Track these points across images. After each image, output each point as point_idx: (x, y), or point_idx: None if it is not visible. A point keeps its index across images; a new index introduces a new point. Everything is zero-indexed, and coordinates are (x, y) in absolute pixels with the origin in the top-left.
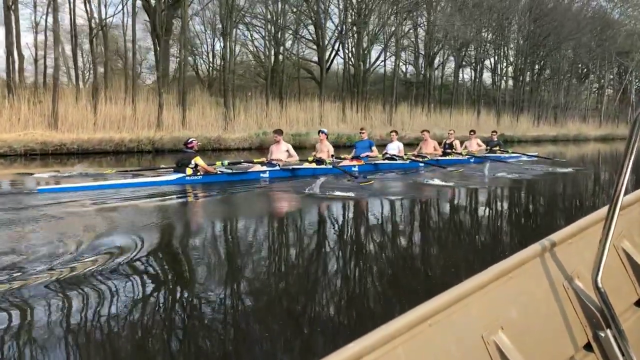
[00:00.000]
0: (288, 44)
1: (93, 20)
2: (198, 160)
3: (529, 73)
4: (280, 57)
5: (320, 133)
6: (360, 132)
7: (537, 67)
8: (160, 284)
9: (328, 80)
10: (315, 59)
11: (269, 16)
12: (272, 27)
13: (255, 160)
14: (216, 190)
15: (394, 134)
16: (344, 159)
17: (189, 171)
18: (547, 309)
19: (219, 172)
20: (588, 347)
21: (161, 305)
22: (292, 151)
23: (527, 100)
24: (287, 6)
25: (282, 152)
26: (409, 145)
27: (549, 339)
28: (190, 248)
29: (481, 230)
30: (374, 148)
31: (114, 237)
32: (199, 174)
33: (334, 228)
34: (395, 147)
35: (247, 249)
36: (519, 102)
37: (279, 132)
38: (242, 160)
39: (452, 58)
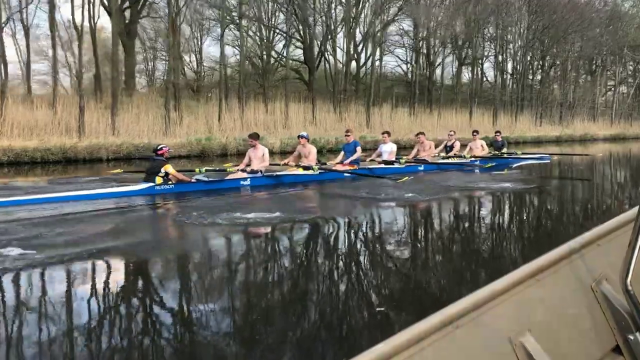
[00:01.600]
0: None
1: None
2: (168, 168)
3: (530, 68)
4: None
5: (301, 137)
6: (345, 135)
7: (539, 62)
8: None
9: (320, 82)
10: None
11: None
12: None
13: (228, 168)
14: (190, 200)
15: (385, 135)
16: (333, 164)
17: (159, 180)
18: (575, 312)
19: (193, 181)
20: (617, 350)
21: None
22: (267, 156)
23: (527, 98)
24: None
25: (258, 157)
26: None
27: (577, 341)
28: (151, 266)
29: (507, 235)
30: (358, 148)
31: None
32: (170, 183)
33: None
34: (388, 149)
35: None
36: (517, 100)
37: (254, 136)
38: (221, 168)
39: (445, 56)
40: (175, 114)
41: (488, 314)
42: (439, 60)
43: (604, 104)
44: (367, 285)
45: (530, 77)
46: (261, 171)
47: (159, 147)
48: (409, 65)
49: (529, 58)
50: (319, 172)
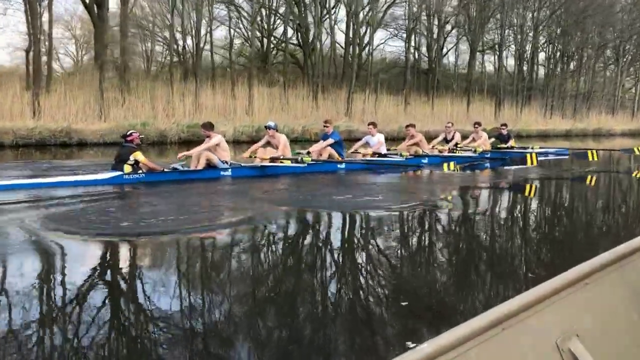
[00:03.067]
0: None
1: None
2: (138, 155)
3: (542, 54)
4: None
5: (267, 129)
6: (324, 125)
7: (551, 49)
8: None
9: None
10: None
11: None
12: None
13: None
14: (161, 191)
15: (371, 126)
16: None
17: (127, 168)
18: (625, 318)
19: (166, 170)
20: None
21: None
22: (224, 145)
23: (535, 88)
24: None
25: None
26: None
27: (627, 348)
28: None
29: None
30: (329, 140)
31: None
32: (140, 171)
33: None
34: (376, 141)
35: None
36: (523, 91)
37: (207, 126)
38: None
39: (444, 39)
40: (118, 95)
41: (535, 317)
42: (448, 49)
43: (626, 96)
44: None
45: (541, 65)
46: (226, 162)
47: (128, 133)
48: (414, 51)
49: (538, 45)
50: (308, 164)
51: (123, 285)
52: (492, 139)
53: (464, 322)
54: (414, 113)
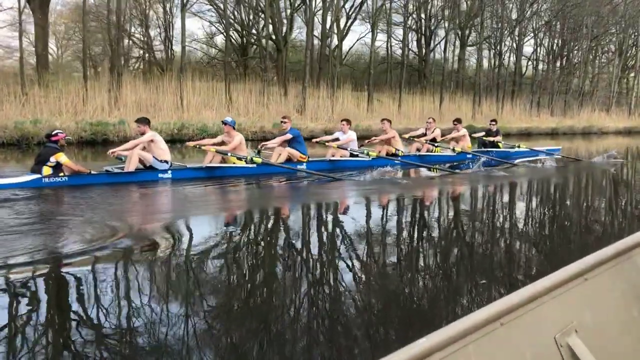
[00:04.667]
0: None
1: None
2: (61, 157)
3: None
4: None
5: (225, 124)
6: (281, 122)
7: (535, 39)
8: None
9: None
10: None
11: None
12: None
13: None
14: (86, 196)
15: (344, 123)
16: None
17: (46, 170)
18: (624, 314)
19: (93, 172)
20: None
21: None
22: (162, 145)
23: (522, 83)
24: None
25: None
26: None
27: (626, 344)
28: None
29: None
30: (288, 135)
31: None
32: (62, 174)
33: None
34: (345, 138)
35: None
36: (504, 85)
37: (142, 121)
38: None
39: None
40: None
41: (534, 312)
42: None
43: (623, 93)
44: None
45: (526, 59)
46: (166, 161)
47: (53, 132)
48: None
49: (523, 38)
50: (257, 165)
51: None
52: (481, 133)
53: (462, 317)
54: (380, 110)
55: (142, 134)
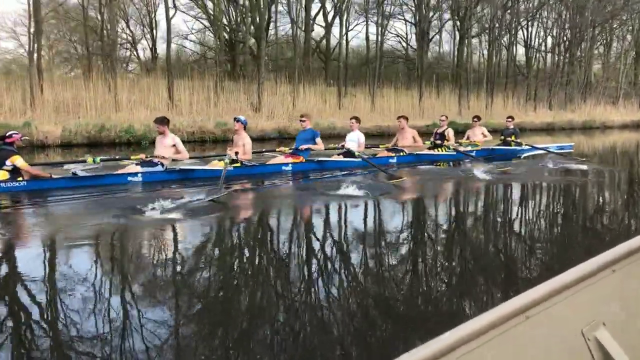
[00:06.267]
0: None
1: None
2: (17, 160)
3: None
4: None
5: (236, 122)
6: (300, 121)
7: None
8: None
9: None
10: None
11: None
12: None
13: (132, 157)
14: (47, 203)
15: (353, 120)
16: (280, 154)
17: (2, 175)
18: None
19: (55, 177)
20: None
21: None
22: (181, 146)
23: (517, 75)
24: None
25: (167, 147)
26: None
27: None
28: None
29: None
30: (318, 140)
31: None
32: (20, 179)
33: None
34: (354, 138)
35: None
36: (492, 77)
37: (161, 121)
38: (117, 157)
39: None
40: None
41: (560, 305)
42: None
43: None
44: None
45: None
46: (161, 163)
47: (8, 134)
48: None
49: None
50: (234, 167)
51: None
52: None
53: (486, 311)
54: (350, 108)
55: (161, 133)
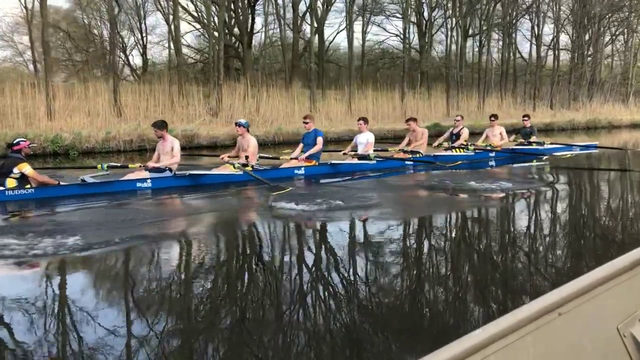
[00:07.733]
0: None
1: None
2: (24, 167)
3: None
4: None
5: (238, 126)
6: (304, 123)
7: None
8: None
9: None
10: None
11: None
12: None
13: (130, 166)
14: (55, 211)
15: (362, 122)
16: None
17: (10, 183)
18: None
19: (63, 184)
20: None
21: None
22: (177, 149)
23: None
24: None
25: (168, 152)
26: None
27: None
28: None
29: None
30: (319, 139)
31: None
32: (28, 186)
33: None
34: (364, 140)
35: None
36: (485, 77)
37: (159, 125)
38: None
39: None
40: None
41: (594, 301)
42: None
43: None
44: None
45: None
46: (170, 169)
47: (16, 141)
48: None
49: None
50: (243, 172)
51: None
52: (513, 136)
53: (517, 307)
54: (324, 110)
55: (160, 137)
